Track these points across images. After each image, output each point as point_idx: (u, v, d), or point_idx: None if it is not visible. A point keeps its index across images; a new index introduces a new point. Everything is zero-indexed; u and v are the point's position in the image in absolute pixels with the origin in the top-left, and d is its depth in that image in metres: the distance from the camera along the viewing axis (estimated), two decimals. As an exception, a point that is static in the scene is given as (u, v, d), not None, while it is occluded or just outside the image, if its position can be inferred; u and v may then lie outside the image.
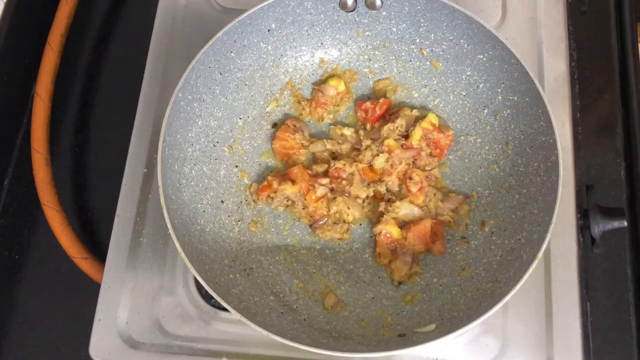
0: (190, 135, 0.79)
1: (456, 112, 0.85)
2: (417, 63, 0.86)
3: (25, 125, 0.96)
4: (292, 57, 0.87)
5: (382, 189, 0.83)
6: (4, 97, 0.94)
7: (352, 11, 0.84)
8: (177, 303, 0.80)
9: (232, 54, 0.81)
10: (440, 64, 0.85)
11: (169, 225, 0.70)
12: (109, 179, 0.87)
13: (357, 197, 0.82)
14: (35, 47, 0.93)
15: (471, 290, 0.75)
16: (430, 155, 0.84)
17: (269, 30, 0.83)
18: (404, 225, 0.81)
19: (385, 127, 0.83)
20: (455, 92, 0.85)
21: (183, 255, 0.69)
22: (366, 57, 0.88)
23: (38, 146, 0.86)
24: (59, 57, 0.91)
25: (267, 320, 0.72)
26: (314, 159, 0.86)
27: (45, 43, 0.91)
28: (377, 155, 0.82)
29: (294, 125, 0.86)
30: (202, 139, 0.81)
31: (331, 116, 0.88)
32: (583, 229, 0.82)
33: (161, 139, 0.73)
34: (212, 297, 0.72)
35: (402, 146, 0.82)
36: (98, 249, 0.87)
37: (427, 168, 0.83)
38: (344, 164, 0.82)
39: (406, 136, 0.83)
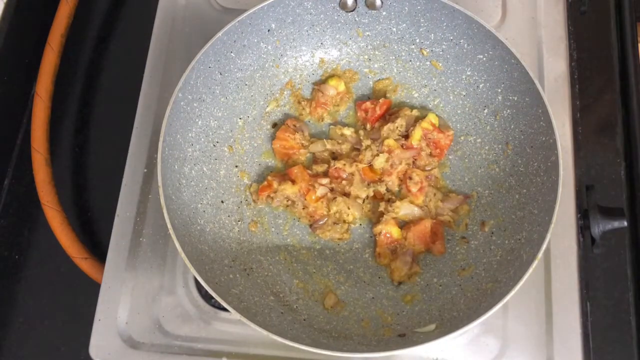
0: (190, 135, 0.79)
1: (456, 112, 0.85)
2: (417, 63, 0.86)
3: (25, 125, 0.96)
4: (292, 57, 0.87)
5: (382, 189, 0.83)
6: (4, 97, 0.94)
7: (352, 11, 0.84)
8: (177, 303, 0.80)
9: (232, 54, 0.81)
10: (440, 64, 0.85)
11: (169, 225, 0.70)
12: (109, 179, 0.87)
13: (357, 197, 0.82)
14: (35, 47, 0.93)
15: (471, 290, 0.75)
16: (430, 155, 0.84)
17: (269, 30, 0.83)
18: (404, 225, 0.81)
19: (385, 127, 0.83)
20: (455, 92, 0.85)
21: (183, 255, 0.69)
22: (366, 57, 0.88)
23: (38, 146, 0.86)
24: (59, 57, 0.91)
25: (267, 320, 0.72)
26: (314, 159, 0.86)
27: (45, 43, 0.91)
28: (377, 155, 0.82)
29: (294, 125, 0.85)
30: (202, 139, 0.81)
31: (331, 116, 0.88)
32: (583, 229, 0.81)
33: (161, 139, 0.73)
34: (212, 297, 0.72)
35: (402, 146, 0.82)
36: (98, 249, 0.87)
37: (427, 168, 0.83)
38: (344, 164, 0.82)
39: (406, 136, 0.83)
